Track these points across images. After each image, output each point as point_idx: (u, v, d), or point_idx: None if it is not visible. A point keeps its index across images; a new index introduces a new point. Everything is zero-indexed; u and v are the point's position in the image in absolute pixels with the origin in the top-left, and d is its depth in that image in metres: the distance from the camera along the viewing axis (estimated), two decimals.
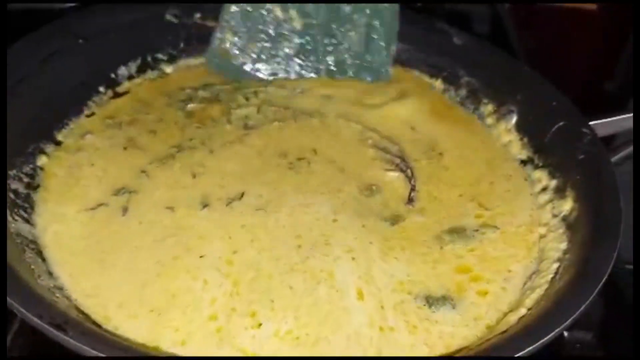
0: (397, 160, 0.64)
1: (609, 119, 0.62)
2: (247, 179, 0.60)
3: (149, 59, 0.72)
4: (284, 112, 0.68)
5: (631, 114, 0.62)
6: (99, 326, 0.47)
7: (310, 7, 0.71)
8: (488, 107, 0.71)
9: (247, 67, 0.72)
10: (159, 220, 0.55)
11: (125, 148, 0.62)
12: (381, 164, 0.63)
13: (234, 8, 0.70)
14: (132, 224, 0.55)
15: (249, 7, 0.71)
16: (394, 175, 0.62)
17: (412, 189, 0.61)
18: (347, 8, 0.71)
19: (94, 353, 0.39)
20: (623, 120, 0.63)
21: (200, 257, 0.52)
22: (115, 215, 0.55)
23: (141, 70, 0.71)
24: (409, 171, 0.62)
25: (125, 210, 0.56)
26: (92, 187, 0.58)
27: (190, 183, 0.59)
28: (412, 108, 0.70)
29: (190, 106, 0.68)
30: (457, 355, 0.48)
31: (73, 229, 0.54)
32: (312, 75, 0.73)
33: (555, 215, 0.58)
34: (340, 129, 0.67)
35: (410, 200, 0.60)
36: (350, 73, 0.73)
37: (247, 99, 0.70)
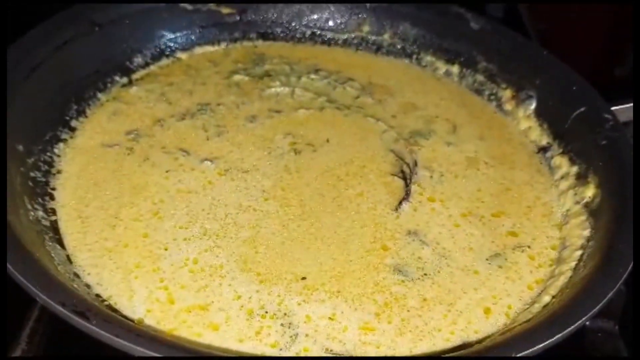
0: (406, 169, 0.61)
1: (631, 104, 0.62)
2: (250, 151, 0.61)
3: (164, 46, 0.71)
4: (314, 100, 0.68)
5: None
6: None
7: None
8: (506, 93, 0.70)
9: None
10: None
11: (156, 101, 0.66)
12: (390, 167, 0.61)
13: None
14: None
15: None
16: (396, 180, 0.60)
17: (404, 198, 0.58)
18: None
19: (117, 340, 0.39)
20: None
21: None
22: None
23: (156, 57, 0.71)
24: (408, 181, 0.60)
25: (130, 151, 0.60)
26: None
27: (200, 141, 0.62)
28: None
29: (237, 77, 0.69)
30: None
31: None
32: None
33: (577, 202, 0.57)
34: (363, 125, 0.66)
35: (396, 208, 0.57)
36: None
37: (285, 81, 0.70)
